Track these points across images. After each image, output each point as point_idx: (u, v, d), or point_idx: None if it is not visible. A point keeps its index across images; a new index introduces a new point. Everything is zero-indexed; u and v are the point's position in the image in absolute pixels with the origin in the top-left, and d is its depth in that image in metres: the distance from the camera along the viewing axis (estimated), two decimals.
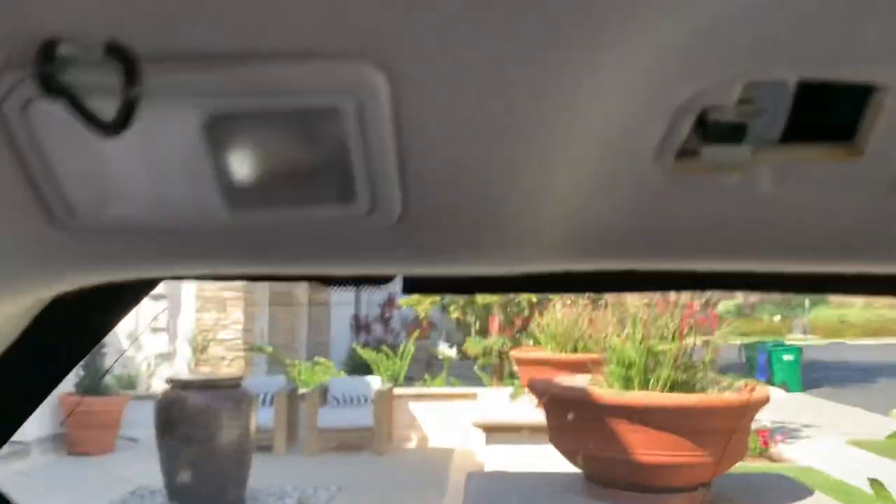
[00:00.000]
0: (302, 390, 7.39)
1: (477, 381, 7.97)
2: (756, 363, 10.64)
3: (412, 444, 7.29)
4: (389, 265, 0.67)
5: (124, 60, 0.43)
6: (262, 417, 6.29)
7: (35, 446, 6.41)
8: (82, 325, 0.81)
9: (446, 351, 8.60)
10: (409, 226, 0.60)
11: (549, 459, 4.52)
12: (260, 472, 5.67)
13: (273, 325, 9.76)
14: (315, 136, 0.54)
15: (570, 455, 4.23)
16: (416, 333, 8.58)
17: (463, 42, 0.47)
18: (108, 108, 0.44)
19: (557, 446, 4.31)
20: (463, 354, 8.59)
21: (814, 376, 10.64)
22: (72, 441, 6.79)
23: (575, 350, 6.10)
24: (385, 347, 8.31)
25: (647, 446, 3.76)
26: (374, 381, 7.49)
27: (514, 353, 7.05)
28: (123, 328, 7.04)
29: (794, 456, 6.61)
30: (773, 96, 0.57)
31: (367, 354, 8.14)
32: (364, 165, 0.54)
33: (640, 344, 4.10)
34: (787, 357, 10.44)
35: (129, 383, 7.48)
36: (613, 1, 0.45)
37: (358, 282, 0.75)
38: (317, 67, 0.48)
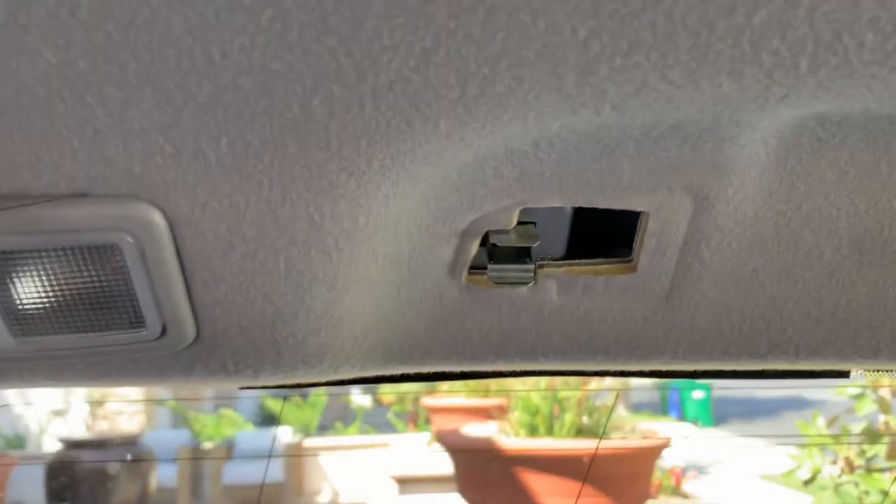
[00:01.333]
0: (207, 445, 7.09)
1: (391, 429, 7.82)
2: (668, 400, 10.84)
3: (324, 499, 7.08)
4: (190, 380, 0.67)
5: None
6: (165, 475, 6.02)
7: None
8: None
9: (359, 399, 8.43)
10: (206, 346, 0.63)
11: None
12: None
13: None
14: (97, 270, 0.55)
15: None
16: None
17: (234, 186, 0.49)
18: None
19: (466, 497, 4.25)
20: (377, 402, 8.45)
21: (724, 412, 10.91)
22: None
23: (486, 395, 6.08)
24: (295, 397, 8.09)
25: (553, 494, 3.74)
26: (284, 434, 7.26)
27: (426, 401, 6.98)
28: None
29: (706, 493, 6.70)
30: (552, 218, 0.62)
31: (275, 405, 7.91)
32: (150, 294, 0.56)
33: (546, 390, 4.11)
34: (697, 394, 10.70)
35: (18, 443, 7.02)
36: (370, 152, 0.48)
37: None
38: (91, 208, 0.50)
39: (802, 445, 3.67)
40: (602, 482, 3.75)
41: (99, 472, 5.22)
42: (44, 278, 0.55)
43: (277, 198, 0.50)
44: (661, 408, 10.60)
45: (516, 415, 4.15)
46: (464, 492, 4.23)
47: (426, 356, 0.70)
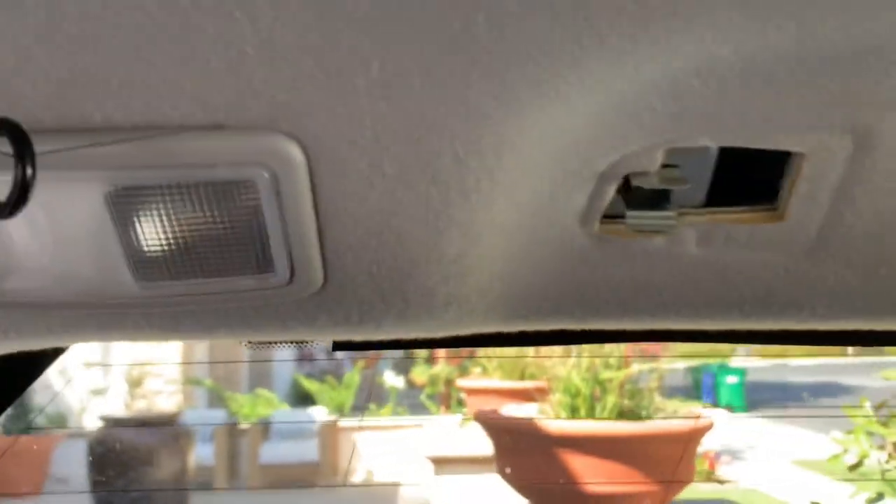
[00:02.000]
0: (243, 424, 7.18)
1: (424, 411, 7.86)
2: (702, 386, 10.76)
3: (358, 478, 7.14)
4: (312, 331, 0.65)
5: (15, 137, 0.40)
6: (202, 453, 6.11)
7: None
8: None
9: (393, 380, 8.47)
10: (332, 294, 0.59)
11: (497, 491, 4.45)
12: None
13: (213, 356, 9.50)
14: (228, 208, 0.51)
15: (518, 486, 4.19)
16: (361, 363, 8.46)
17: (378, 115, 0.45)
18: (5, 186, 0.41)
19: (505, 478, 4.26)
20: (410, 383, 8.49)
21: (758, 397, 10.81)
22: None
23: (522, 378, 6.07)
24: (329, 377, 8.15)
25: (594, 476, 3.73)
26: (319, 413, 7.32)
27: (461, 383, 6.99)
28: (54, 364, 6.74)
29: (739, 478, 6.66)
30: (696, 161, 0.58)
31: (310, 385, 7.98)
32: (281, 236, 0.53)
33: (587, 372, 4.09)
34: (731, 379, 10.62)
35: (61, 421, 7.16)
36: (530, 74, 0.43)
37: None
38: (228, 140, 0.47)
39: (848, 430, 3.62)
40: (644, 464, 3.74)
41: (139, 449, 5.30)
42: (173, 217, 0.51)
43: (424, 130, 0.47)
44: (695, 392, 10.53)
45: (557, 396, 4.14)
46: (503, 472, 4.24)
47: (550, 312, 0.67)
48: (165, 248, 0.53)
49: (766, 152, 0.55)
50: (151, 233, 0.52)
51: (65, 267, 0.55)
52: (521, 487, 4.20)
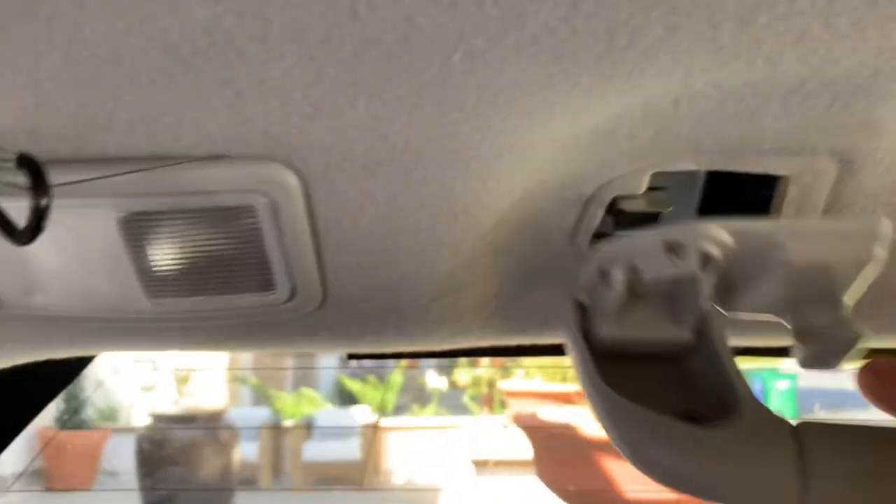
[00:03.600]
0: (287, 422, 7.27)
1: (466, 412, 7.86)
2: None
3: (401, 478, 7.17)
4: (314, 344, 0.69)
5: (32, 170, 0.44)
6: (247, 450, 6.20)
7: (11, 482, 6.26)
8: (18, 400, 0.87)
9: (435, 381, 8.49)
10: (332, 310, 0.63)
11: (537, 493, 4.43)
12: None
13: (258, 354, 9.65)
14: (231, 231, 0.55)
15: (557, 490, 4.17)
16: (404, 363, 8.50)
17: (368, 147, 0.48)
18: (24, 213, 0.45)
19: (544, 481, 4.24)
20: (452, 384, 8.49)
21: (809, 402, 10.55)
22: (50, 476, 6.64)
23: (563, 381, 6.03)
24: (372, 377, 8.20)
25: (634, 481, 3.68)
26: (362, 413, 7.38)
27: (502, 385, 6.97)
28: (105, 360, 6.96)
29: None
30: (684, 183, 0.59)
31: (353, 385, 8.04)
32: (281, 257, 0.56)
33: None
34: (781, 384, 10.36)
35: (111, 416, 7.35)
36: (506, 108, 0.46)
37: None
38: (228, 169, 0.50)
39: None
40: None
41: (186, 445, 5.41)
42: (179, 239, 0.55)
43: (411, 159, 0.50)
44: None
45: None
46: (542, 474, 4.21)
47: (545, 327, 0.68)
48: (173, 268, 0.57)
49: (753, 174, 0.55)
50: (160, 254, 0.56)
51: (84, 285, 0.59)
52: (560, 491, 4.17)
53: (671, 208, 0.58)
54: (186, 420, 5.66)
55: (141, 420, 6.56)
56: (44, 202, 0.43)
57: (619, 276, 0.49)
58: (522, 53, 0.42)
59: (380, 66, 0.43)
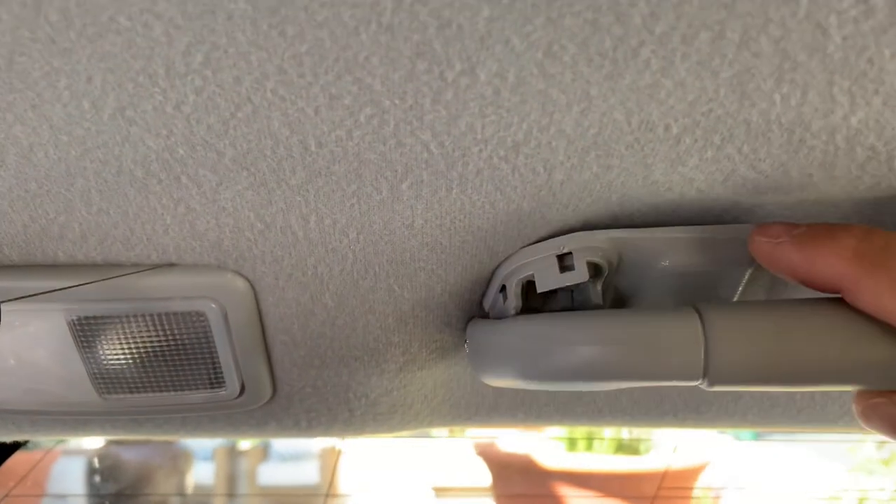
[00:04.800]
0: (243, 445, 7.17)
1: (427, 436, 7.83)
2: None
3: (358, 501, 7.11)
4: (264, 434, 0.72)
5: None
6: (202, 473, 6.10)
7: None
8: None
9: None
10: (281, 405, 0.67)
11: None
12: None
13: None
14: (181, 333, 0.57)
15: None
16: None
17: (318, 259, 0.51)
18: None
19: None
20: None
21: None
22: None
23: None
24: None
25: None
26: None
27: None
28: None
29: None
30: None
31: None
32: (231, 357, 0.59)
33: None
34: None
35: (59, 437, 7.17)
36: (454, 225, 0.48)
37: None
38: (179, 277, 0.53)
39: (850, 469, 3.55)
40: (639, 501, 3.69)
41: (138, 466, 5.32)
42: (129, 340, 0.58)
43: (360, 270, 0.52)
44: None
45: (555, 429, 4.10)
46: (500, 503, 4.20)
47: (492, 413, 0.72)
48: (124, 367, 0.60)
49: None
50: (111, 354, 0.59)
51: (35, 382, 0.62)
52: None
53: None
54: (139, 441, 5.54)
55: (91, 441, 6.43)
56: None
57: (515, 290, 0.52)
58: (466, 184, 0.44)
59: (330, 192, 0.45)
